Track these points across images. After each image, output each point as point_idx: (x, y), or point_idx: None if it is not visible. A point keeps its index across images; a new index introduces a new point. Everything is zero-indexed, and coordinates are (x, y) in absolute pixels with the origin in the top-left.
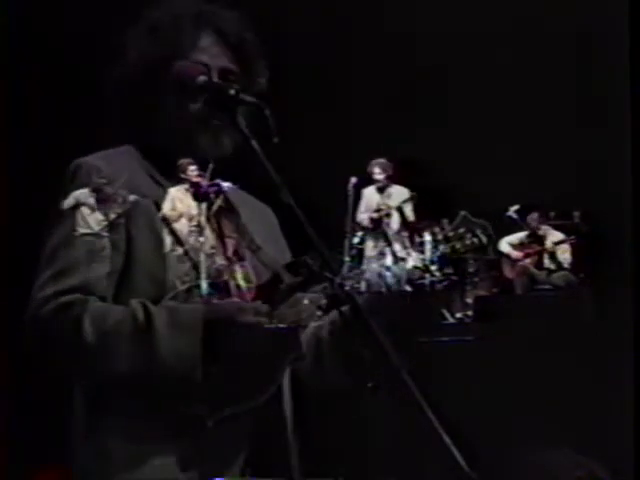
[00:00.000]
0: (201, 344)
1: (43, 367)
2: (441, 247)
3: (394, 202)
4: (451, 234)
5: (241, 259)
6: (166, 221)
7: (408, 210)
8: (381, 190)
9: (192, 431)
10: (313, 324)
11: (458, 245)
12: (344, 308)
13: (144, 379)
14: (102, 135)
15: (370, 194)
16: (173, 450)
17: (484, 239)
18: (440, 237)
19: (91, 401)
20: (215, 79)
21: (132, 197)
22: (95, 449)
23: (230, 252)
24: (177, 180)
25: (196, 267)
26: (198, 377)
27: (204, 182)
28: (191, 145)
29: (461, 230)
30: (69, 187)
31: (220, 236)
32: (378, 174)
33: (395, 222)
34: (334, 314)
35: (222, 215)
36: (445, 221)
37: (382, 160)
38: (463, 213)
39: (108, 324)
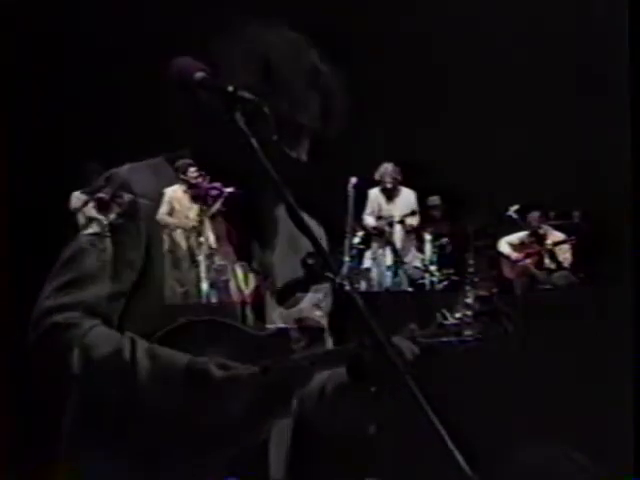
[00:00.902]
0: (179, 394)
1: (38, 376)
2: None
3: (398, 212)
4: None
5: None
6: (161, 226)
7: (412, 220)
8: (389, 197)
9: (177, 467)
10: (319, 376)
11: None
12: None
13: (124, 419)
14: (103, 137)
15: (375, 196)
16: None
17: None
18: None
19: (78, 426)
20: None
21: (127, 197)
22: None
23: (249, 290)
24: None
25: (195, 268)
26: (178, 420)
27: (204, 184)
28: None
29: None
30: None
31: (247, 269)
32: (389, 182)
33: (398, 231)
34: (341, 371)
35: (249, 237)
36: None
37: (392, 167)
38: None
39: (95, 357)
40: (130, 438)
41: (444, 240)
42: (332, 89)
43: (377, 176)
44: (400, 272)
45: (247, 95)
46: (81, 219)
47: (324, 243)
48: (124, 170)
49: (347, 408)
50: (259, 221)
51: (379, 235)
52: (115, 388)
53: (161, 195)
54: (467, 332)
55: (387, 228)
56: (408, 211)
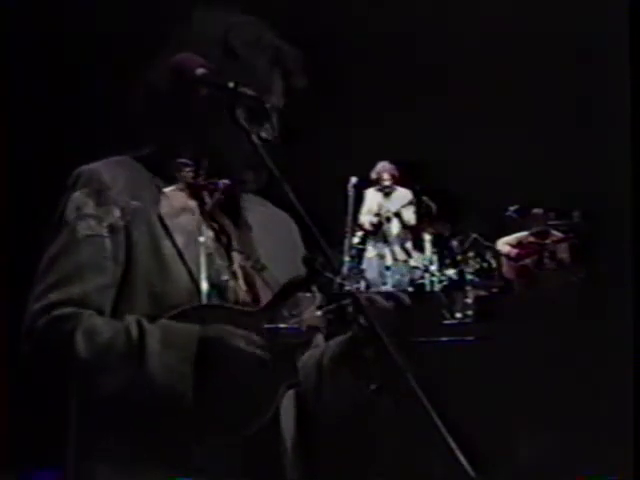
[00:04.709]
0: (193, 363)
1: (39, 380)
2: (449, 271)
3: (394, 206)
4: (460, 258)
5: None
6: (163, 220)
7: (408, 214)
8: (387, 194)
9: (182, 458)
10: (316, 350)
11: (466, 269)
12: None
13: (134, 397)
14: (103, 139)
15: (372, 196)
16: (162, 477)
17: (494, 264)
18: (448, 261)
19: (82, 422)
20: (276, 120)
21: (135, 203)
22: (84, 471)
23: (236, 266)
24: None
25: (197, 268)
26: (189, 397)
27: (200, 182)
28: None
29: (470, 254)
30: (69, 194)
31: (227, 250)
32: (387, 180)
33: (395, 226)
34: (335, 342)
35: (225, 220)
36: (455, 242)
37: (389, 165)
38: (474, 236)
39: (101, 339)
40: (136, 428)
41: (453, 242)
42: (292, 68)
43: (374, 174)
44: (398, 269)
45: (248, 91)
46: (81, 222)
47: (296, 240)
48: (94, 166)
49: (345, 374)
50: (276, 233)
51: (374, 232)
52: (124, 368)
53: (135, 192)
54: (467, 332)
55: (385, 222)
56: (405, 203)
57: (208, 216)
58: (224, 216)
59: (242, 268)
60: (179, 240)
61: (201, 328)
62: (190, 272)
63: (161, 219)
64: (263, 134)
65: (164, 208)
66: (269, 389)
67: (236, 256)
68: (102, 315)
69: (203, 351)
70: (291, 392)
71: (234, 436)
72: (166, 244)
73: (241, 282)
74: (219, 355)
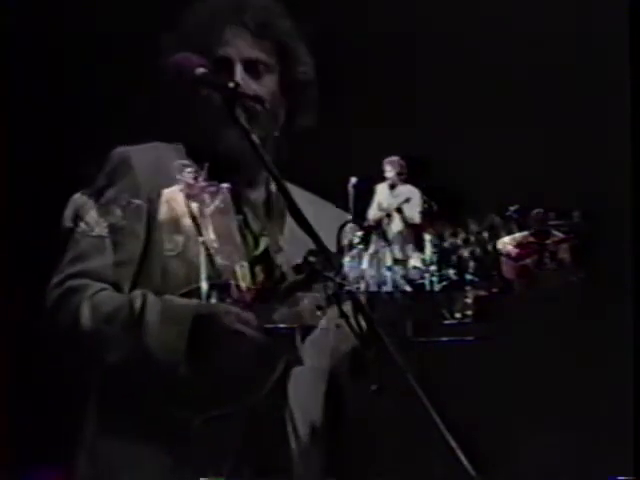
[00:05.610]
0: (187, 338)
1: (51, 354)
2: (448, 271)
3: (397, 201)
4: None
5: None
6: (162, 227)
7: (412, 212)
8: (392, 187)
9: (180, 432)
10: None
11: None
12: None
13: (132, 370)
14: (103, 139)
15: (382, 191)
16: (162, 452)
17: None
18: (448, 261)
19: (94, 404)
20: (239, 70)
21: (136, 201)
22: (88, 453)
23: (250, 290)
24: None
25: (196, 268)
26: (182, 371)
27: (200, 183)
28: (220, 144)
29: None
30: (100, 174)
31: (248, 269)
32: (389, 172)
33: (396, 223)
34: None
35: (225, 216)
36: (455, 242)
37: (394, 158)
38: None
39: (105, 311)
40: (133, 403)
41: (449, 242)
42: (263, 20)
43: (383, 168)
44: (397, 269)
45: (248, 91)
46: (80, 222)
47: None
48: (125, 149)
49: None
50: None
51: (376, 227)
52: (125, 338)
53: (160, 172)
54: (467, 332)
55: (385, 219)
56: (406, 199)
57: (210, 217)
58: (254, 204)
59: (266, 252)
60: (167, 240)
61: (198, 304)
62: (207, 251)
63: (187, 198)
64: (262, 132)
65: (163, 209)
66: (265, 364)
67: (252, 276)
68: (120, 291)
69: (198, 327)
70: (315, 371)
71: (232, 408)
72: (186, 221)
73: (242, 284)
74: (213, 331)
